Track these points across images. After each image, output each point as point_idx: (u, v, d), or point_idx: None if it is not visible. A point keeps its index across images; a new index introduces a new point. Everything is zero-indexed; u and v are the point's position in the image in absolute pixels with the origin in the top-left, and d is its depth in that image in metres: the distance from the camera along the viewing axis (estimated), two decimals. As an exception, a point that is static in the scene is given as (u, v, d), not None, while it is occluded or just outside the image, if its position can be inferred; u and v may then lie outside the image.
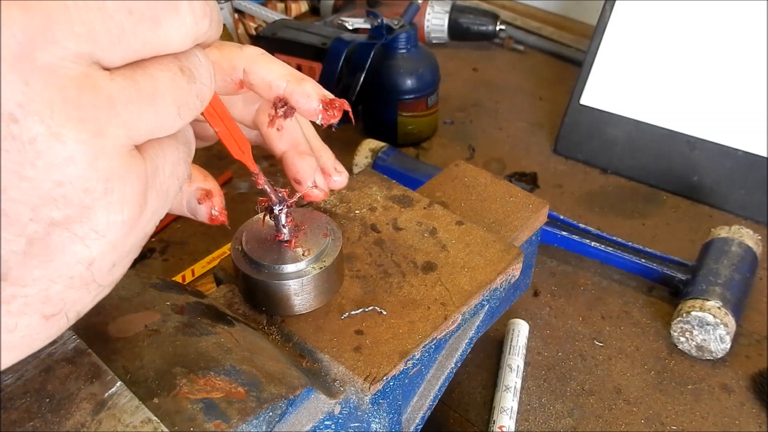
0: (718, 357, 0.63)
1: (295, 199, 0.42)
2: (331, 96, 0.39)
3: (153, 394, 0.32)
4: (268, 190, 0.40)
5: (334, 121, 0.39)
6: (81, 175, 0.23)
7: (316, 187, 0.42)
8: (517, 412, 0.59)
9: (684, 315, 0.62)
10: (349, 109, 0.40)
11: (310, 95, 0.38)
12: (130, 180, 0.24)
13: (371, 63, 0.87)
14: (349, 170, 0.82)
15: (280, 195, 0.41)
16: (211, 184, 0.40)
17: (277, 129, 0.41)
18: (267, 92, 0.39)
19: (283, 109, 0.39)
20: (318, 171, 0.42)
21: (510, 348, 0.63)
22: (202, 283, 0.71)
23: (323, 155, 0.44)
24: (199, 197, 0.39)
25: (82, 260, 0.24)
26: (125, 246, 0.26)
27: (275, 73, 0.38)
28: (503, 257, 0.49)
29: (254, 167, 0.39)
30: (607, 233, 0.73)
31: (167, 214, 0.42)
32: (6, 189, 0.21)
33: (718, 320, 0.61)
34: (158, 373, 0.34)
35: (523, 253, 0.50)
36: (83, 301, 0.25)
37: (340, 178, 0.44)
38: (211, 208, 0.39)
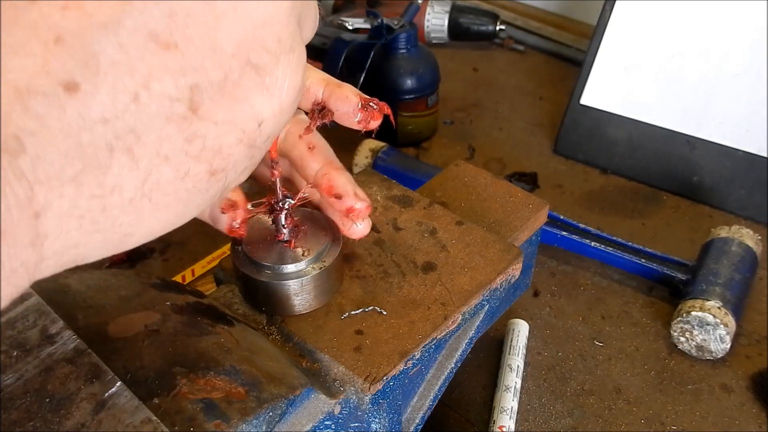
0: (718, 357, 0.63)
1: (299, 198, 0.42)
2: (368, 97, 0.39)
3: (153, 394, 0.32)
4: (278, 185, 0.40)
5: (374, 123, 0.39)
6: (280, 22, 0.25)
7: (357, 198, 0.41)
8: (517, 412, 0.59)
9: (684, 315, 0.62)
10: (390, 113, 0.40)
11: (348, 97, 0.39)
12: (302, 48, 0.26)
13: (371, 63, 0.87)
14: (349, 170, 0.82)
15: (284, 193, 0.41)
16: (238, 196, 0.40)
17: (309, 148, 0.41)
18: (305, 96, 0.39)
19: (321, 113, 0.39)
20: (356, 185, 0.42)
21: (510, 348, 0.63)
22: (202, 283, 0.71)
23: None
24: (224, 206, 0.39)
25: (257, 116, 0.25)
26: (283, 118, 0.27)
27: (312, 78, 0.39)
28: (503, 257, 0.49)
29: (276, 154, 0.39)
30: (607, 233, 0.73)
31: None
32: (219, 18, 0.23)
33: (718, 320, 0.61)
34: (158, 373, 0.34)
35: (523, 253, 0.50)
36: (241, 165, 0.27)
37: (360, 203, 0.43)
38: (233, 220, 0.39)
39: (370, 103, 0.39)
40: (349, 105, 0.39)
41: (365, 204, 0.41)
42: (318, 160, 0.42)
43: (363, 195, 0.42)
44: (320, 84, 0.39)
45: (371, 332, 0.43)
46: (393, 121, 0.40)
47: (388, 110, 0.40)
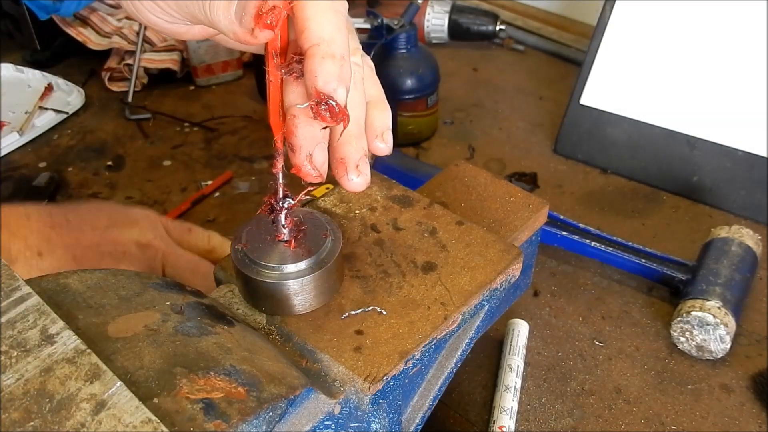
0: (718, 357, 0.63)
1: (299, 199, 0.42)
2: (336, 97, 0.32)
3: (153, 394, 0.32)
4: (279, 180, 0.39)
5: (321, 123, 0.33)
6: None
7: (310, 161, 0.36)
8: (517, 412, 0.59)
9: (684, 315, 0.62)
10: (346, 124, 0.33)
11: (315, 76, 0.32)
12: None
13: (371, 63, 0.87)
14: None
15: (285, 193, 0.41)
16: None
17: (287, 74, 0.34)
18: (298, 35, 0.33)
19: (293, 65, 0.34)
20: (321, 145, 0.36)
21: (510, 348, 0.63)
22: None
23: (376, 116, 0.38)
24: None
25: None
26: None
27: (317, 24, 0.32)
28: (503, 257, 0.49)
29: (281, 145, 0.37)
30: (607, 233, 0.73)
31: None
32: None
33: (718, 320, 0.61)
34: (158, 373, 0.34)
35: (523, 253, 0.50)
36: None
37: (384, 145, 0.38)
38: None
39: (329, 102, 0.32)
40: (310, 80, 0.32)
41: (316, 172, 0.36)
42: (294, 94, 0.35)
43: (320, 158, 0.36)
44: (314, 38, 0.32)
45: (371, 332, 0.43)
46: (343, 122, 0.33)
47: (345, 119, 0.33)
